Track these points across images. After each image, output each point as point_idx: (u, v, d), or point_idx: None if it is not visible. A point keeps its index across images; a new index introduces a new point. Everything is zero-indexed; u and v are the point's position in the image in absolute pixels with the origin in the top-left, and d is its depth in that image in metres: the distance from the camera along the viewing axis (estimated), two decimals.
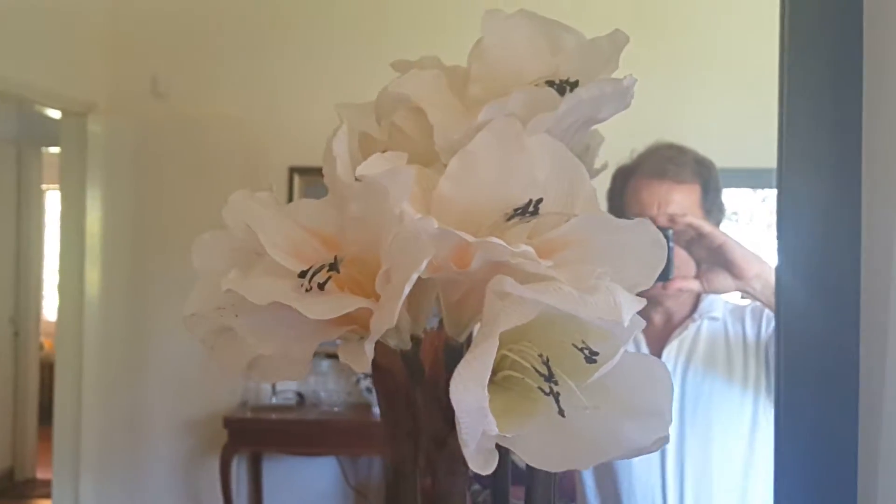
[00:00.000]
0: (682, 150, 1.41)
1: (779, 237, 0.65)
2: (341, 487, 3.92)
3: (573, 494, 1.55)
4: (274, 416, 3.91)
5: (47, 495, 4.50)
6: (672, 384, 0.39)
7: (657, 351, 1.39)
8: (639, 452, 0.36)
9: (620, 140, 1.54)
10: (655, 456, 1.36)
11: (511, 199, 0.42)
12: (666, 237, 1.24)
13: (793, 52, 0.62)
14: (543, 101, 0.44)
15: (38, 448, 5.32)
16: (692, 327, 1.39)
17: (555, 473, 0.53)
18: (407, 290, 0.37)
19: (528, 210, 0.42)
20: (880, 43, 0.57)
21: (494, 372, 0.41)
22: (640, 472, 1.37)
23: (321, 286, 0.40)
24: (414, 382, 0.49)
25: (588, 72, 0.46)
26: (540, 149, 0.43)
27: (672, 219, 1.29)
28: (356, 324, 0.41)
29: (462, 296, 0.43)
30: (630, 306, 0.37)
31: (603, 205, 1.49)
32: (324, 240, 0.42)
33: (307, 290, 0.39)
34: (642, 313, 1.28)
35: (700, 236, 1.25)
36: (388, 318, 0.37)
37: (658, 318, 1.41)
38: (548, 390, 0.38)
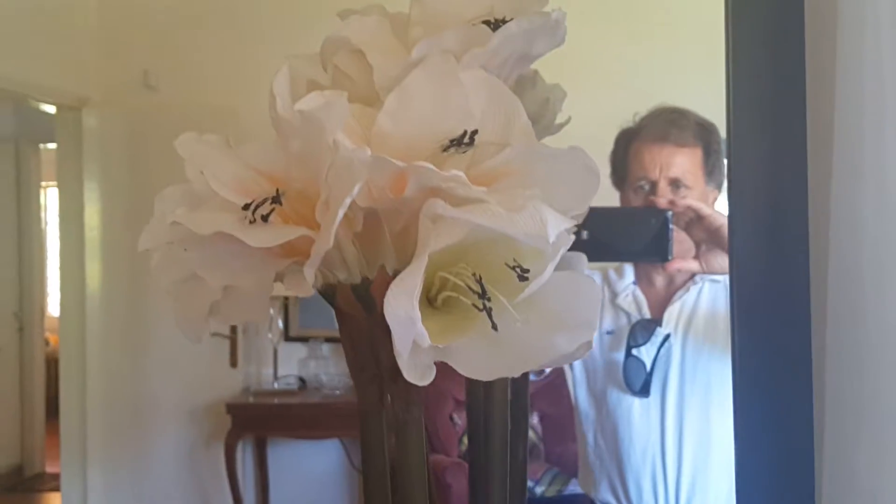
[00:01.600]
0: (684, 113, 1.42)
1: (730, 191, 0.67)
2: (346, 469, 3.95)
3: (575, 459, 1.57)
4: (276, 400, 3.95)
5: (56, 489, 4.55)
6: (599, 297, 0.41)
7: (659, 313, 1.41)
8: (566, 360, 0.38)
9: (625, 103, 1.55)
10: (655, 418, 1.38)
11: (447, 131, 0.44)
12: (666, 219, 1.26)
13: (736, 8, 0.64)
14: (476, 37, 0.46)
15: (45, 443, 5.37)
16: (693, 290, 1.40)
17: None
18: (341, 213, 0.39)
19: (464, 141, 0.44)
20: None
21: (435, 295, 0.43)
22: (640, 435, 1.39)
23: (265, 218, 0.42)
24: (368, 317, 0.51)
25: (521, 11, 0.48)
26: (474, 83, 0.45)
27: (672, 202, 1.30)
28: (301, 255, 0.43)
29: (403, 227, 0.45)
30: (556, 223, 0.39)
31: (606, 168, 1.50)
32: (270, 178, 0.44)
33: (251, 222, 0.41)
34: (645, 275, 1.30)
35: (699, 218, 1.27)
36: (325, 241, 0.39)
37: (660, 280, 1.43)
38: (481, 307, 0.39)
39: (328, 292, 0.51)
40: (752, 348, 0.60)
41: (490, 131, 0.45)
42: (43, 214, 5.66)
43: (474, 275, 0.40)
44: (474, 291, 0.40)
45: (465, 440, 4.05)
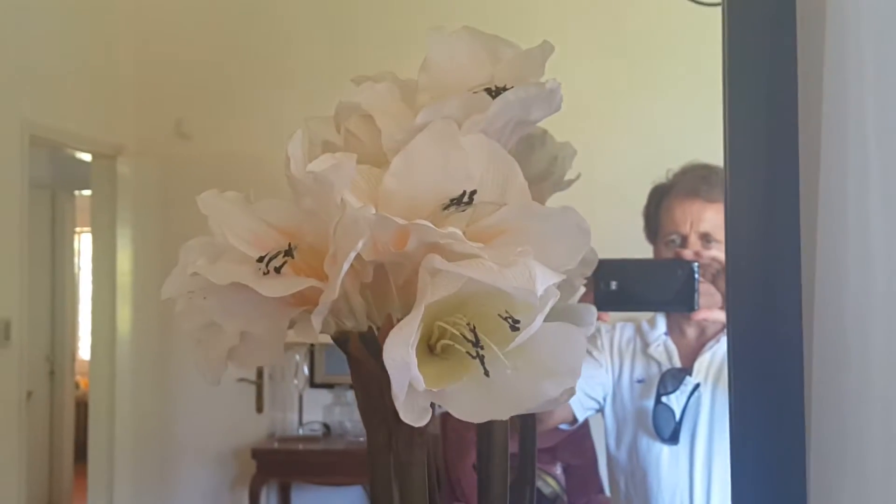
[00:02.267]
0: (714, 169, 1.46)
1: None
2: None
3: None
4: (301, 446, 3.97)
5: None
6: (585, 346, 0.43)
7: (689, 363, 1.43)
8: (551, 406, 0.41)
9: (659, 160, 1.60)
10: (684, 466, 1.41)
11: (448, 191, 0.47)
12: (692, 270, 1.30)
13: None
14: (477, 104, 0.49)
15: (73, 484, 5.41)
16: (724, 340, 1.42)
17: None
18: (346, 266, 0.42)
19: (463, 200, 0.47)
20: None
21: (435, 343, 0.46)
22: (669, 482, 1.42)
23: (277, 270, 0.45)
24: (377, 363, 0.54)
25: (521, 79, 0.51)
26: (474, 146, 0.49)
27: (698, 253, 1.34)
28: (311, 304, 0.46)
29: (407, 279, 0.48)
30: (544, 278, 0.42)
31: (639, 222, 1.54)
32: (283, 233, 0.48)
33: (265, 273, 0.45)
34: (677, 326, 1.32)
35: (725, 269, 1.30)
36: (332, 291, 0.42)
37: (691, 331, 1.46)
38: (474, 354, 0.43)
39: (341, 339, 0.55)
40: (749, 392, 0.63)
41: (488, 191, 0.49)
42: (76, 259, 5.78)
43: (469, 325, 0.43)
44: (469, 340, 0.43)
45: None
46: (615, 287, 1.27)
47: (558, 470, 4.17)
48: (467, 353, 0.43)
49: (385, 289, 0.52)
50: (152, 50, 4.15)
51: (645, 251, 1.53)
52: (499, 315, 0.44)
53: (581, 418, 1.62)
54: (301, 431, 4.12)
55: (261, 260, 0.45)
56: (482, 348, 0.43)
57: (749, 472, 0.62)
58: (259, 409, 4.24)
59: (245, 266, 0.45)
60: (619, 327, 1.55)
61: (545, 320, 0.44)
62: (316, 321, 0.44)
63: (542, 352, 0.43)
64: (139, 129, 4.10)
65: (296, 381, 4.17)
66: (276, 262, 0.45)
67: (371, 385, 0.58)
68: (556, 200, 0.59)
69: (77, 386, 5.72)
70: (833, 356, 0.53)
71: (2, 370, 3.26)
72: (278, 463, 3.99)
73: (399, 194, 0.47)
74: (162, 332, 4.26)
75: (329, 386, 4.28)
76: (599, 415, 1.60)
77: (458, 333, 0.43)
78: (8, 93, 3.26)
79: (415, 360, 0.40)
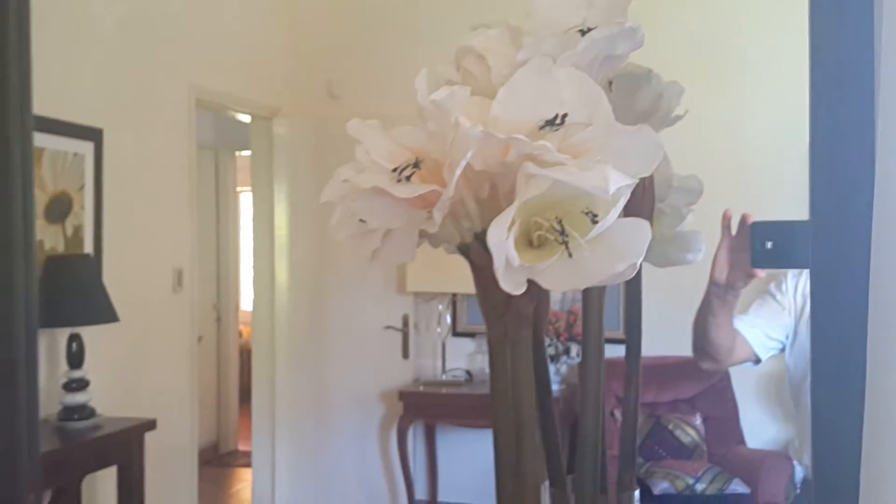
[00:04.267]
0: None
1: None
2: None
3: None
4: (444, 390, 4.18)
5: (247, 464, 4.98)
6: (650, 236, 0.54)
7: None
8: (616, 279, 0.52)
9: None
10: None
11: (543, 114, 0.58)
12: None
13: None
14: (569, 42, 0.60)
15: (238, 424, 5.86)
16: None
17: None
18: (458, 171, 0.54)
19: (555, 122, 0.58)
20: None
21: (531, 234, 0.57)
22: None
23: (408, 178, 0.58)
24: (490, 262, 0.66)
25: (607, 21, 0.61)
26: (566, 77, 0.59)
27: None
28: (433, 206, 0.59)
29: (510, 187, 0.60)
30: (617, 180, 0.53)
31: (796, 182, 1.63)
32: (413, 151, 0.60)
33: (398, 181, 0.58)
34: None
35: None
36: (449, 191, 0.55)
37: None
38: (560, 241, 0.54)
39: (464, 249, 0.67)
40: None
41: (578, 115, 0.59)
42: (238, 217, 6.17)
43: (557, 219, 0.55)
44: (556, 230, 0.54)
45: None
46: (770, 247, 1.34)
47: (697, 420, 4.19)
48: (554, 240, 0.54)
49: (495, 197, 0.64)
50: (305, 18, 4.40)
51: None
52: (582, 211, 0.55)
53: (763, 358, 1.73)
54: (444, 377, 4.33)
55: (395, 171, 0.58)
56: (567, 236, 0.54)
57: None
58: (405, 355, 4.47)
59: (383, 175, 0.58)
60: (806, 273, 1.63)
61: (621, 216, 0.55)
62: (437, 215, 0.56)
63: (615, 239, 0.54)
64: (293, 91, 4.37)
65: (439, 330, 4.37)
66: (407, 173, 0.58)
67: (489, 283, 0.70)
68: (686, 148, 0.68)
69: (240, 334, 6.16)
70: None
71: (177, 313, 3.61)
72: (423, 405, 4.21)
73: (503, 118, 0.59)
74: (317, 283, 4.54)
75: (471, 335, 4.46)
76: (747, 367, 1.78)
77: (548, 225, 0.55)
78: (178, 60, 3.55)
79: (511, 240, 0.52)
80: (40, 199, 2.79)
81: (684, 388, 4.25)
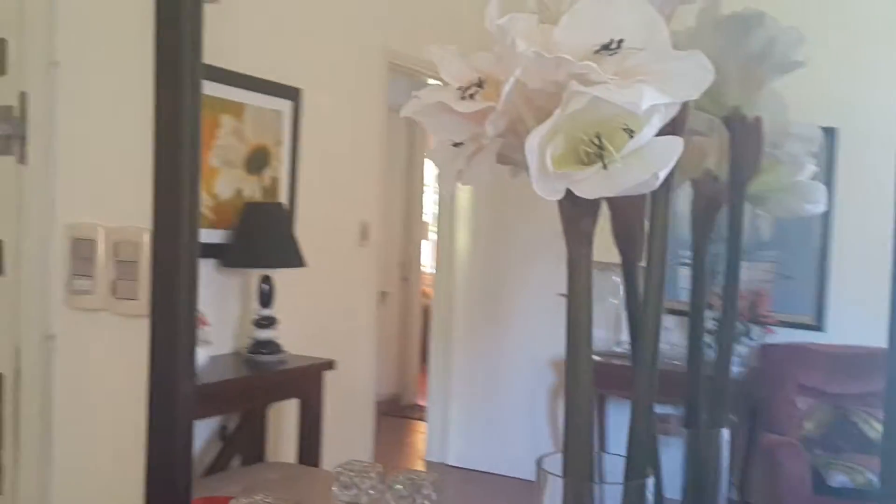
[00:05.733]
0: None
1: None
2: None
3: None
4: (616, 362, 4.17)
5: (424, 418, 5.22)
6: (680, 150, 0.57)
7: None
8: (642, 189, 0.57)
9: None
10: None
11: (601, 40, 0.63)
12: None
13: None
14: None
15: (418, 380, 6.13)
16: None
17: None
18: (508, 86, 0.60)
19: (611, 46, 0.62)
20: None
21: (575, 148, 0.62)
22: None
23: (472, 97, 0.64)
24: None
25: None
26: (627, 5, 0.63)
27: None
28: None
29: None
30: (650, 98, 0.57)
31: None
32: (482, 73, 0.67)
33: (462, 98, 0.64)
34: None
35: None
36: (502, 103, 0.61)
37: None
38: (597, 153, 0.59)
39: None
40: None
41: (634, 41, 0.63)
42: (423, 183, 6.40)
43: (596, 133, 0.59)
44: (594, 143, 0.59)
45: (806, 424, 3.95)
46: None
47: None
48: (593, 153, 0.59)
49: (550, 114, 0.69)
50: None
51: None
52: (621, 128, 0.59)
53: None
54: (618, 349, 4.33)
55: (460, 89, 0.64)
56: (603, 149, 0.58)
57: None
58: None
59: (450, 93, 0.65)
60: None
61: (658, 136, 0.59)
62: (489, 128, 0.62)
63: (649, 154, 0.58)
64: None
65: (614, 301, 4.36)
66: (471, 91, 0.64)
67: (574, 213, 0.75)
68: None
69: (424, 295, 6.42)
70: None
71: (361, 265, 3.84)
72: (595, 375, 4.23)
73: (564, 43, 0.64)
74: (495, 250, 4.66)
75: None
76: None
77: (587, 139, 0.59)
78: (373, 25, 3.75)
79: (544, 147, 0.57)
80: (241, 152, 3.06)
81: (876, 380, 4.03)
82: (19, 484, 1.32)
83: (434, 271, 5.00)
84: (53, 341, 1.30)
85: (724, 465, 0.99)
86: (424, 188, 6.35)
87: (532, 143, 0.58)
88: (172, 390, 1.11)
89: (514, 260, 4.59)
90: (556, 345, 4.58)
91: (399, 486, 1.14)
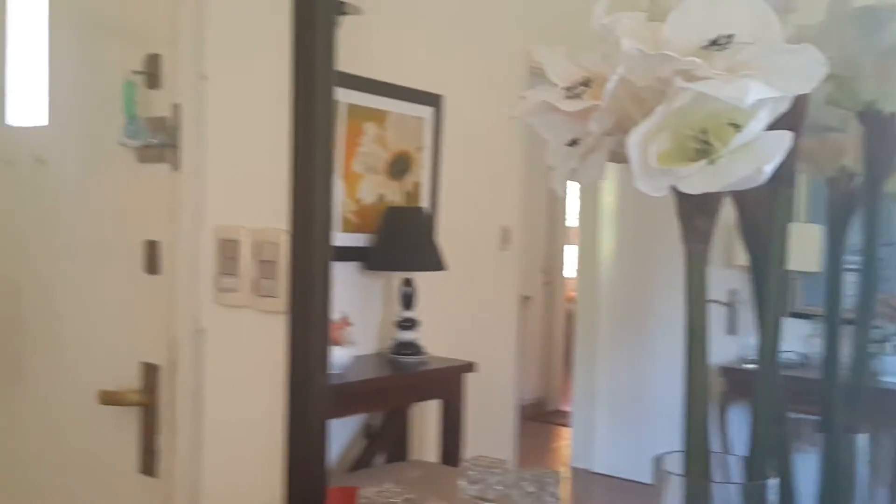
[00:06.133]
0: None
1: None
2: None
3: None
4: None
5: (569, 424, 5.19)
6: (788, 145, 0.56)
7: None
8: (745, 184, 0.56)
9: None
10: None
11: (710, 36, 0.63)
12: None
13: None
14: None
15: (562, 385, 6.10)
16: None
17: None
18: (611, 85, 0.61)
19: (720, 41, 0.62)
20: None
21: (682, 144, 0.62)
22: None
23: (578, 96, 0.65)
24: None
25: None
26: (738, 1, 0.63)
27: None
28: None
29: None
30: (756, 92, 0.56)
31: None
32: (590, 72, 0.67)
33: (567, 98, 0.65)
34: None
35: None
36: (606, 100, 0.61)
37: None
38: (703, 148, 0.58)
39: None
40: None
41: (745, 35, 0.62)
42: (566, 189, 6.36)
43: (702, 129, 0.59)
44: (700, 139, 0.59)
45: None
46: None
47: None
48: (698, 148, 0.59)
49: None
50: None
51: None
52: (728, 123, 0.59)
53: None
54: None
55: (566, 89, 0.66)
56: (709, 144, 0.58)
57: None
58: (731, 331, 4.36)
59: (556, 93, 0.66)
60: None
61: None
62: (593, 126, 0.63)
63: (756, 148, 0.57)
64: None
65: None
66: (577, 90, 0.65)
67: (688, 209, 0.75)
68: None
69: (569, 300, 6.38)
70: None
71: (502, 269, 3.86)
72: (747, 384, 4.07)
73: (673, 40, 0.64)
74: (642, 254, 4.58)
75: (807, 316, 4.22)
76: None
77: (693, 135, 0.59)
78: (512, 30, 3.77)
79: (648, 145, 0.58)
80: (383, 158, 3.16)
81: None
82: (174, 467, 1.42)
83: (576, 275, 4.97)
84: (203, 335, 1.39)
85: (862, 471, 0.95)
86: (568, 193, 6.32)
87: (633, 139, 0.58)
88: (308, 382, 1.17)
89: (661, 263, 4.49)
90: (711, 352, 4.44)
91: (525, 483, 1.15)
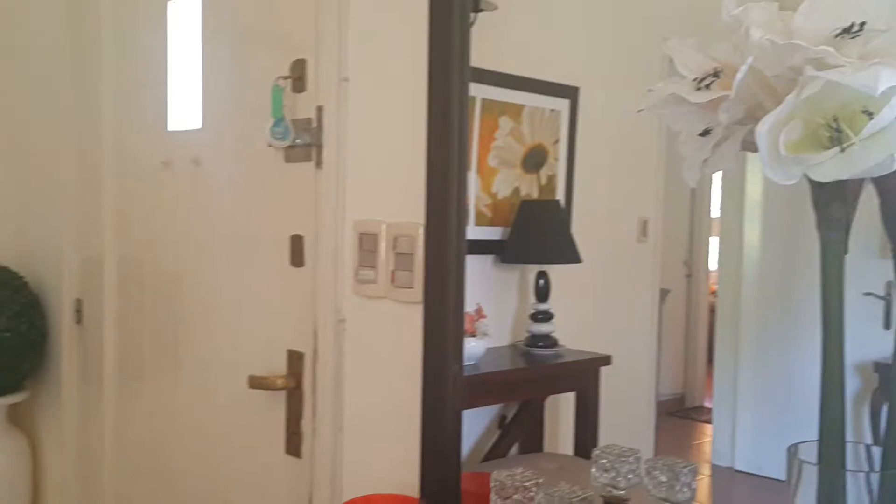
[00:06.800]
0: None
1: None
2: None
3: None
4: None
5: (710, 421, 5.04)
6: None
7: None
8: (876, 171, 0.55)
9: None
10: None
11: (842, 23, 0.62)
12: None
13: None
14: None
15: (705, 381, 5.94)
16: None
17: None
18: (740, 75, 0.61)
19: (852, 29, 0.61)
20: None
21: (814, 132, 0.62)
22: None
23: (707, 87, 0.66)
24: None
25: None
26: None
27: None
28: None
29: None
30: (888, 79, 0.55)
31: None
32: (720, 63, 0.68)
33: (697, 90, 0.66)
34: None
35: None
36: (734, 88, 0.62)
37: None
38: (835, 136, 0.58)
39: None
40: None
41: (878, 23, 0.61)
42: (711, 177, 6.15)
43: (834, 118, 0.59)
44: (832, 127, 0.58)
45: None
46: None
47: None
48: (830, 137, 0.58)
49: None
50: None
51: None
52: (861, 111, 0.58)
53: None
54: None
55: (695, 80, 0.66)
56: (841, 132, 0.58)
57: None
58: (887, 325, 4.13)
59: (685, 85, 0.67)
60: None
61: None
62: (722, 116, 0.63)
63: (888, 135, 0.56)
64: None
65: None
66: (707, 81, 0.66)
67: (823, 197, 0.74)
68: None
69: (713, 293, 6.19)
70: None
71: (640, 262, 3.80)
72: None
73: (804, 28, 0.63)
74: (791, 247, 4.40)
75: None
76: None
77: (825, 123, 0.59)
78: (649, 18, 3.70)
79: (778, 134, 0.58)
80: (518, 151, 3.17)
81: None
82: (316, 449, 1.50)
83: (717, 268, 4.84)
84: (344, 324, 1.45)
85: None
86: (712, 184, 6.12)
87: (762, 128, 0.59)
88: (443, 370, 1.20)
89: (807, 256, 4.29)
90: (863, 348, 4.23)
91: (658, 472, 1.15)
